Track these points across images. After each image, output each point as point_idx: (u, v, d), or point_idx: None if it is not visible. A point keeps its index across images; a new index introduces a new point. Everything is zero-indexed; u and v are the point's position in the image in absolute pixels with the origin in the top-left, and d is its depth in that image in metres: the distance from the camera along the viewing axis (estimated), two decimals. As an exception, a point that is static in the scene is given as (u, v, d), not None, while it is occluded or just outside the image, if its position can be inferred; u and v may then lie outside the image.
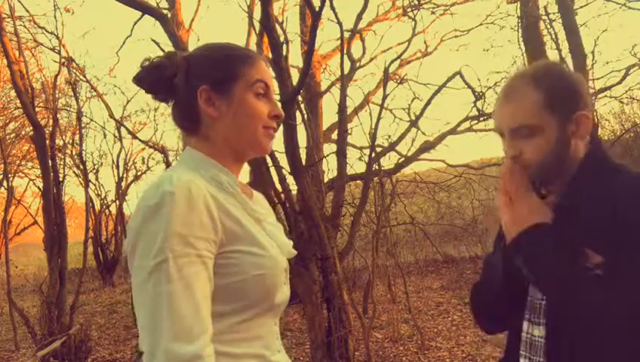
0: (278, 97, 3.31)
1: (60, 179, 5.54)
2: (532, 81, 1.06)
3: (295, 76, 4.12)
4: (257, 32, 5.63)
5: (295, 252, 1.11)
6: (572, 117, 1.05)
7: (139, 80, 1.02)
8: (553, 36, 4.82)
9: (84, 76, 7.50)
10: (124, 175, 11.33)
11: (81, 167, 8.01)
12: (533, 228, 1.02)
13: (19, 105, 6.97)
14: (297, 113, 3.74)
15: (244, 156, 1.06)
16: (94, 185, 10.97)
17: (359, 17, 6.76)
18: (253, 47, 6.34)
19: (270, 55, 3.43)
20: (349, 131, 6.80)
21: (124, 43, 6.87)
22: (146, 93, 1.05)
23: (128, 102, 9.68)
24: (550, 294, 1.03)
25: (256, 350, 0.96)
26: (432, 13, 8.12)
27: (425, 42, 8.49)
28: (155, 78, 1.01)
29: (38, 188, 7.98)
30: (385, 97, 5.11)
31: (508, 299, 1.12)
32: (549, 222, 1.03)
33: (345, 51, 5.30)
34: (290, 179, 3.57)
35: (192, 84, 1.00)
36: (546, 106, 1.04)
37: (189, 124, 1.02)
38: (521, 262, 1.03)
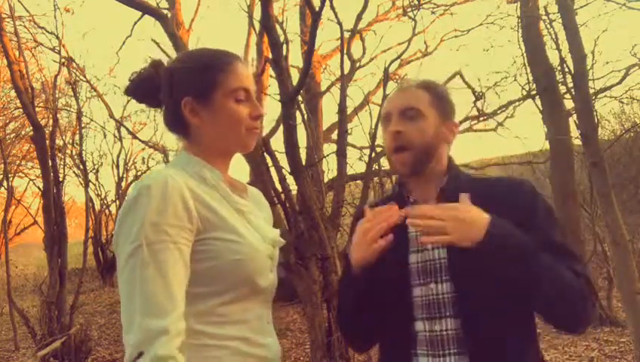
0: (278, 97, 3.31)
1: (60, 179, 5.54)
2: (422, 85, 1.23)
3: (295, 76, 4.12)
4: (257, 32, 5.64)
5: (283, 241, 1.19)
6: (447, 121, 1.22)
7: (129, 93, 1.15)
8: (553, 36, 4.81)
9: (84, 76, 7.50)
10: (124, 175, 11.32)
11: (81, 167, 8.01)
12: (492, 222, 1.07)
13: (19, 105, 6.96)
14: (297, 113, 3.74)
15: (231, 154, 1.16)
16: (94, 185, 10.95)
17: (359, 17, 6.77)
18: (253, 47, 6.35)
19: (270, 55, 3.43)
20: (349, 131, 6.80)
21: (124, 43, 6.87)
22: (137, 103, 1.19)
23: (128, 102, 9.59)
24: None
25: (241, 333, 1.04)
26: (432, 13, 8.11)
27: (425, 42, 8.48)
28: (143, 91, 1.13)
29: (38, 188, 7.96)
30: (385, 97, 5.10)
31: (371, 310, 1.16)
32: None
33: (345, 51, 5.30)
34: (290, 179, 3.57)
35: (176, 96, 1.09)
36: (431, 103, 1.21)
37: (178, 131, 1.13)
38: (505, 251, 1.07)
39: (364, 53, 7.50)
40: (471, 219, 1.05)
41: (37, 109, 5.56)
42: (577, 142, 4.69)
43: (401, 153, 1.18)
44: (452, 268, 1.11)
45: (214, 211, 1.02)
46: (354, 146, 7.17)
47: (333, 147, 6.13)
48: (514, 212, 1.09)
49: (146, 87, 1.12)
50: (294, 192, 3.74)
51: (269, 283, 1.11)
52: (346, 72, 5.30)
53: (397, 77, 7.47)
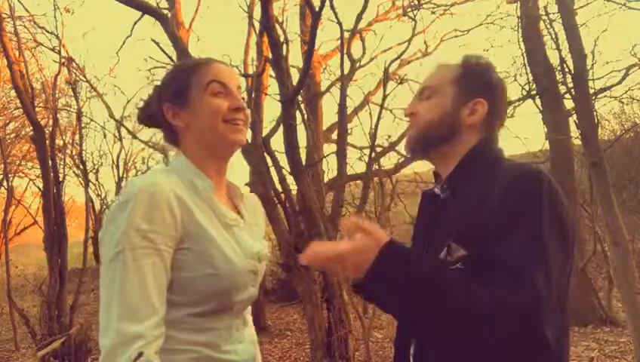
0: (278, 97, 3.31)
1: (60, 179, 5.54)
2: (460, 62, 1.12)
3: (295, 76, 4.12)
4: (257, 32, 5.63)
5: (267, 256, 1.19)
6: (469, 100, 1.08)
7: (139, 121, 1.21)
8: (553, 36, 4.81)
9: (84, 76, 7.50)
10: (124, 175, 11.34)
11: (81, 167, 8.00)
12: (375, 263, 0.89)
13: (19, 105, 6.97)
14: (297, 113, 3.74)
15: (219, 153, 1.13)
16: (94, 185, 10.99)
17: (359, 17, 6.76)
18: (253, 47, 6.34)
19: (270, 55, 3.43)
20: (349, 131, 6.81)
21: (124, 43, 6.86)
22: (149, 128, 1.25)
23: (128, 102, 9.64)
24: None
25: (209, 339, 1.05)
26: (432, 13, 8.13)
27: (425, 42, 8.50)
28: (148, 116, 1.17)
29: (38, 188, 7.96)
30: (385, 97, 5.12)
31: None
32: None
33: (345, 51, 5.30)
34: (290, 179, 3.57)
35: (160, 105, 1.12)
36: (454, 80, 1.09)
37: (171, 139, 1.15)
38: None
39: (364, 53, 7.49)
40: (356, 259, 0.90)
41: (37, 109, 5.56)
42: (577, 142, 4.69)
43: (409, 132, 1.15)
44: None
45: (198, 223, 1.02)
46: (354, 146, 7.18)
47: (333, 147, 6.14)
48: (492, 206, 0.95)
49: (148, 111, 1.17)
50: (294, 192, 3.74)
51: (247, 296, 1.12)
52: (346, 72, 5.30)
53: (397, 77, 7.47)
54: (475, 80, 1.10)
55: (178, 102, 1.10)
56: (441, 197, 1.11)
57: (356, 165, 9.80)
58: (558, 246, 0.92)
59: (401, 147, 6.97)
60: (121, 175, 11.11)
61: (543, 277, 0.87)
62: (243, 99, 1.15)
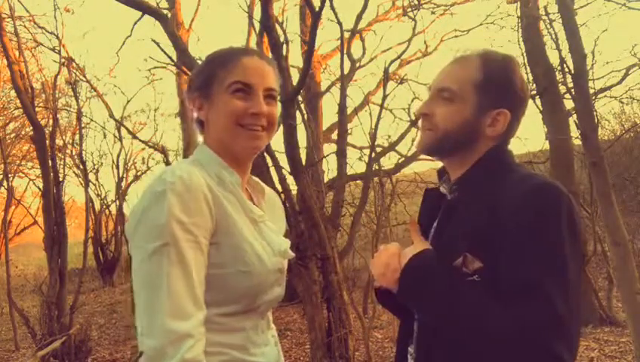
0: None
1: (60, 179, 5.53)
2: (481, 61, 1.06)
3: (295, 76, 4.12)
4: (257, 32, 5.63)
5: (292, 254, 1.14)
6: (492, 110, 1.04)
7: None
8: (553, 36, 4.81)
9: (84, 76, 7.49)
10: (124, 175, 11.32)
11: (81, 167, 8.00)
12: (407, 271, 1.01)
13: (19, 105, 6.97)
14: (297, 113, 3.74)
15: (237, 155, 1.07)
16: (94, 185, 10.95)
17: (359, 17, 6.76)
18: (253, 47, 6.34)
19: (270, 55, 3.43)
20: (349, 131, 6.81)
21: (124, 43, 6.83)
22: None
23: (128, 102, 9.65)
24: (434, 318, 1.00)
25: (238, 341, 1.01)
26: (432, 13, 8.13)
27: (425, 42, 8.49)
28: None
29: (38, 188, 7.97)
30: (385, 97, 5.11)
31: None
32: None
33: (345, 51, 5.30)
34: (290, 179, 3.57)
35: (190, 95, 1.10)
36: (477, 86, 1.04)
37: (198, 127, 1.11)
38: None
39: (364, 53, 7.50)
40: (395, 267, 1.03)
41: (37, 109, 5.55)
42: (577, 142, 4.68)
43: (425, 131, 1.09)
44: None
45: (230, 217, 0.98)
46: (354, 146, 7.18)
47: (333, 147, 6.14)
48: (505, 219, 0.94)
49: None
50: (294, 192, 3.73)
51: (274, 296, 1.08)
52: (346, 72, 5.30)
53: (397, 77, 7.47)
54: (500, 88, 1.04)
55: (202, 94, 1.07)
56: (449, 198, 1.09)
57: (356, 165, 9.82)
58: (576, 263, 0.93)
59: (402, 147, 6.97)
60: (121, 175, 11.08)
61: (563, 298, 0.87)
62: (274, 98, 1.09)
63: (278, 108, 1.11)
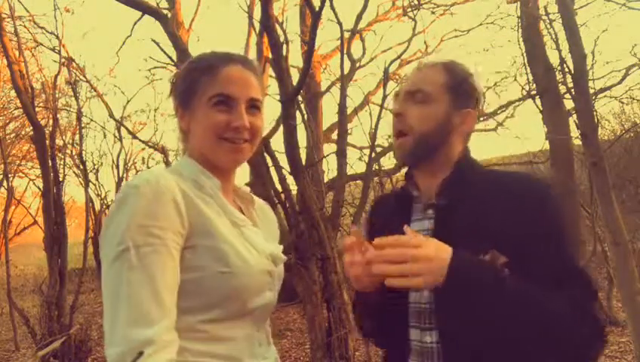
0: (278, 97, 3.31)
1: (60, 179, 5.53)
2: (444, 66, 1.12)
3: (295, 76, 4.12)
4: (257, 32, 5.64)
5: (284, 258, 1.10)
6: (462, 110, 1.10)
7: None
8: (553, 36, 4.80)
9: (84, 76, 7.49)
10: (124, 175, 11.30)
11: (81, 167, 7.99)
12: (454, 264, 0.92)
13: (19, 105, 6.97)
14: (297, 113, 3.74)
15: (219, 166, 1.04)
16: (94, 185, 10.94)
17: (359, 17, 6.77)
18: (253, 47, 6.35)
19: (270, 55, 3.43)
20: (349, 131, 6.82)
21: (124, 43, 6.85)
22: None
23: (128, 102, 9.67)
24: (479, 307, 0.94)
25: (227, 351, 0.95)
26: (432, 13, 8.14)
27: (425, 42, 8.49)
28: None
29: (38, 188, 7.96)
30: (385, 97, 5.12)
31: (386, 309, 1.08)
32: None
33: (345, 51, 5.30)
34: (290, 179, 3.57)
35: (173, 101, 1.07)
36: (446, 87, 1.10)
37: (182, 136, 1.09)
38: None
39: (364, 53, 7.52)
40: (433, 256, 0.90)
41: (37, 109, 5.55)
42: (577, 142, 4.68)
43: (401, 138, 1.10)
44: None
45: (206, 217, 0.95)
46: (354, 146, 7.19)
47: (333, 147, 6.14)
48: (520, 214, 0.99)
49: None
50: (294, 192, 3.73)
51: (265, 302, 1.02)
52: (346, 72, 5.30)
53: (397, 77, 7.47)
54: (466, 89, 1.11)
55: (184, 104, 1.05)
56: (438, 205, 1.08)
57: (356, 165, 9.81)
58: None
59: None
60: (121, 175, 11.06)
61: (592, 276, 1.03)
62: (258, 108, 1.04)
63: (263, 118, 1.07)
